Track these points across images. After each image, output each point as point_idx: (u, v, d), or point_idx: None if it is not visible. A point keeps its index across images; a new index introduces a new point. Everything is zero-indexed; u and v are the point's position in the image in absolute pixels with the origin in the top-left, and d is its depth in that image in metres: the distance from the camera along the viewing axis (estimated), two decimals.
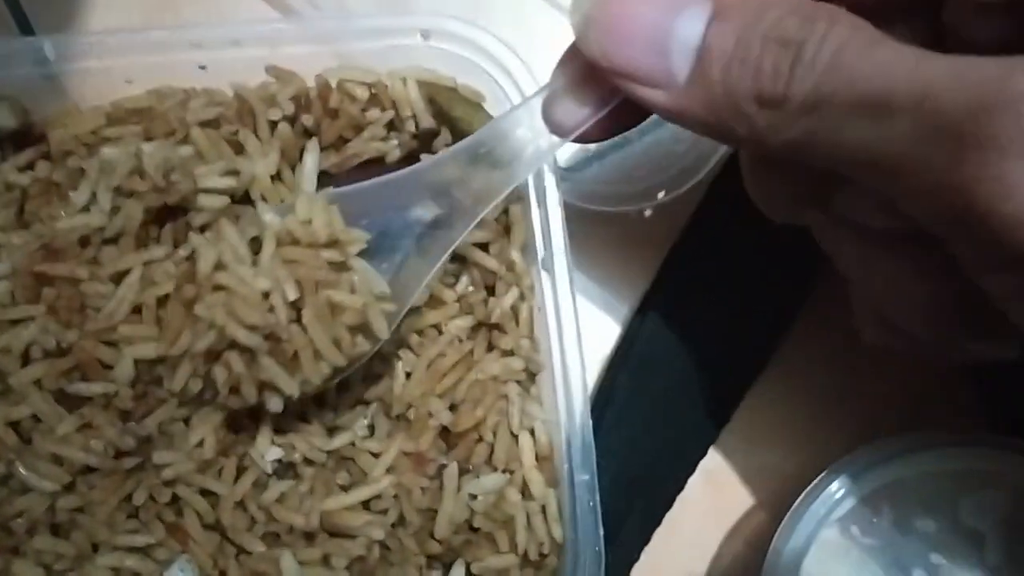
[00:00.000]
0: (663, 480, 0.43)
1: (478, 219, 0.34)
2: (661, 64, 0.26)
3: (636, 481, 0.42)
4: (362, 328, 0.34)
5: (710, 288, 0.42)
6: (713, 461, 0.44)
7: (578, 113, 0.30)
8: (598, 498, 0.35)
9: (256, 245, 0.34)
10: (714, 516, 0.44)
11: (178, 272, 0.35)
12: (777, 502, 0.43)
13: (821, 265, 0.42)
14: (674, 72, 0.26)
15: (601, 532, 0.35)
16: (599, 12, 0.27)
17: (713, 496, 0.44)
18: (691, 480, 0.43)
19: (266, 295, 0.32)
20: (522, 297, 0.38)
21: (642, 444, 0.42)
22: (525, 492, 0.37)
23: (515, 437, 0.37)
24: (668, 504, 0.43)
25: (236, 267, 0.33)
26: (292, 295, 0.32)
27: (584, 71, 0.29)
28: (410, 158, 0.39)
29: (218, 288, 0.33)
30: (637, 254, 0.44)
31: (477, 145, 0.33)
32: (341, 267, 0.34)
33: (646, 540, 0.43)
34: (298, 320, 0.33)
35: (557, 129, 0.30)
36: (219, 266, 0.33)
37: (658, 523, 0.43)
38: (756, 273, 0.42)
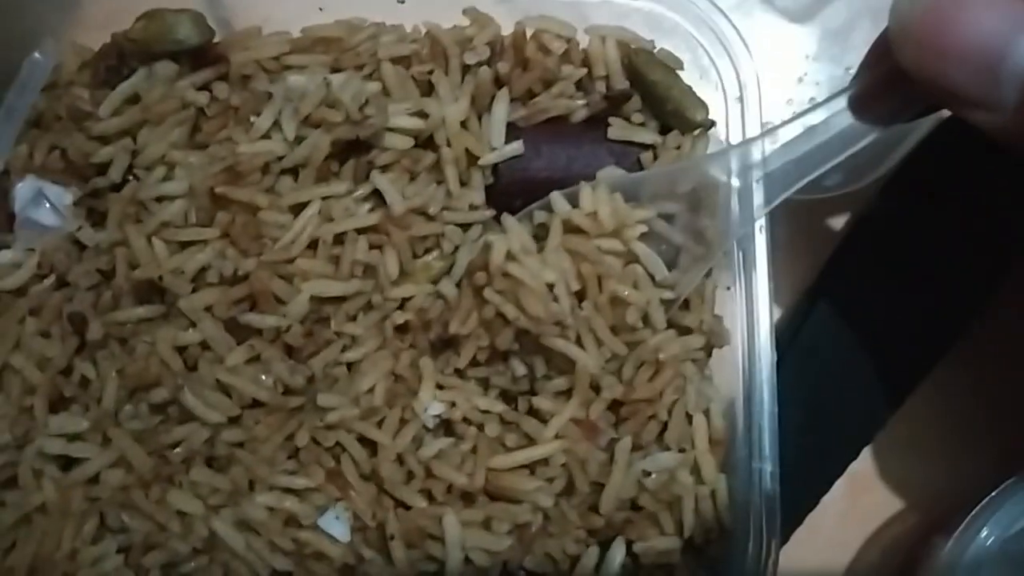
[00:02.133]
0: (811, 479, 0.41)
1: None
2: (988, 89, 0.24)
3: (783, 477, 0.41)
4: (643, 318, 0.34)
5: (881, 284, 0.41)
6: (861, 464, 0.42)
7: (882, 115, 0.28)
8: (778, 489, 0.34)
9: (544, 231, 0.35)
10: (854, 521, 0.43)
11: (472, 261, 0.35)
12: (921, 514, 0.42)
13: (1003, 271, 0.40)
14: (1002, 97, 0.24)
15: (778, 526, 0.34)
16: (920, 18, 0.24)
17: (855, 500, 0.42)
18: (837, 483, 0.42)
19: (551, 286, 0.33)
20: (709, 273, 0.36)
21: (794, 440, 0.40)
22: (696, 475, 0.35)
23: (689, 418, 0.36)
24: (813, 504, 0.41)
25: (525, 259, 0.33)
26: (575, 287, 0.34)
27: (894, 74, 0.27)
28: (596, 120, 0.38)
29: (506, 276, 0.33)
30: (808, 242, 0.43)
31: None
32: (626, 256, 0.35)
33: (786, 538, 0.41)
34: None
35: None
36: (509, 256, 0.34)
37: (800, 522, 0.41)
38: (932, 273, 0.40)
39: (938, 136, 0.40)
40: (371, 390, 0.34)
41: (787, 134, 0.33)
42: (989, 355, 0.42)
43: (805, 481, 0.41)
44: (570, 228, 0.34)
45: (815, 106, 0.32)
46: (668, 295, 0.35)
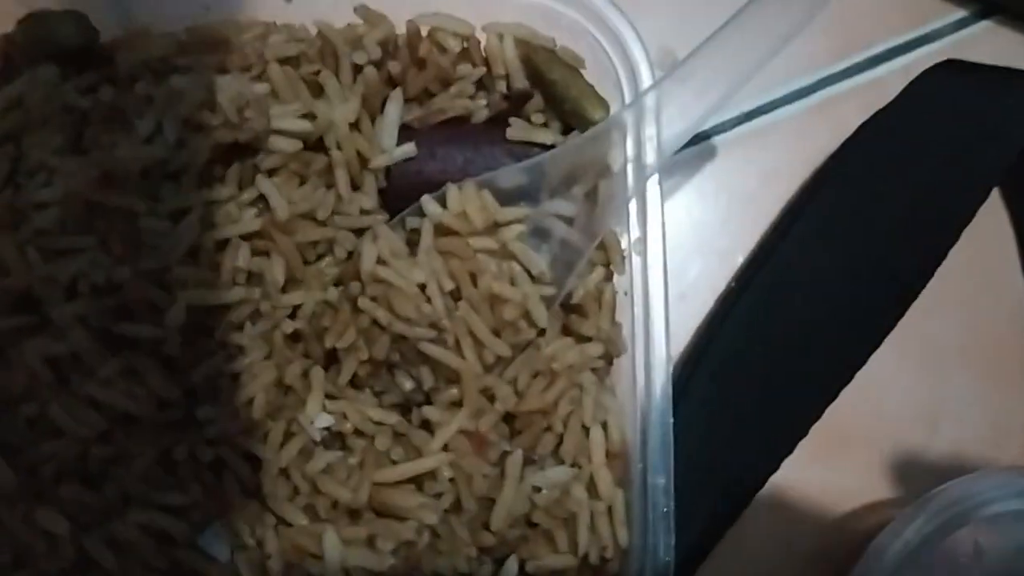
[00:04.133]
0: (731, 490, 0.40)
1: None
2: None
3: (702, 490, 0.39)
4: (524, 317, 0.33)
5: (809, 275, 0.39)
6: (783, 476, 0.41)
7: None
8: (672, 505, 0.32)
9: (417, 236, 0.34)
10: (781, 535, 0.41)
11: (341, 270, 0.35)
12: (849, 528, 0.41)
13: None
14: None
15: (672, 542, 0.32)
16: None
17: (780, 514, 0.41)
18: (758, 495, 0.40)
19: (423, 287, 0.32)
20: (607, 278, 0.35)
21: (714, 447, 0.39)
22: (591, 490, 0.34)
23: (586, 430, 0.34)
24: (733, 517, 0.40)
25: (395, 261, 0.33)
26: (448, 286, 0.33)
27: None
28: (497, 120, 0.37)
29: (378, 282, 0.33)
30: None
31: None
32: (501, 254, 0.33)
33: (706, 552, 0.40)
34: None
35: None
36: (380, 261, 0.33)
37: (720, 537, 0.40)
38: (870, 256, 0.39)
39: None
40: (251, 402, 0.33)
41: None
42: (913, 356, 0.40)
43: (723, 495, 0.40)
44: (442, 230, 0.33)
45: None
46: (548, 291, 0.34)
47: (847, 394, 0.41)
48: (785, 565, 0.41)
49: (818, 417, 0.40)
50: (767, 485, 0.40)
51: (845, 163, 0.40)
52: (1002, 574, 0.34)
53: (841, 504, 0.42)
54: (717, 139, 0.44)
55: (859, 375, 0.41)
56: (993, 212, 0.44)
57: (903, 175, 0.39)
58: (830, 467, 0.42)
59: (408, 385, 0.34)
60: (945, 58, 0.42)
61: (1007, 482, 0.34)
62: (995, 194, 0.44)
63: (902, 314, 0.40)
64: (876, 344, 0.40)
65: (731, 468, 0.39)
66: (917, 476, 0.42)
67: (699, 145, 0.43)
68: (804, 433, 0.40)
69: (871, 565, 0.34)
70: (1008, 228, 0.44)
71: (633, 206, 0.34)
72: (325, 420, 0.34)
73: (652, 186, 0.34)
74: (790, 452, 0.40)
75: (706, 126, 0.43)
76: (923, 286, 0.39)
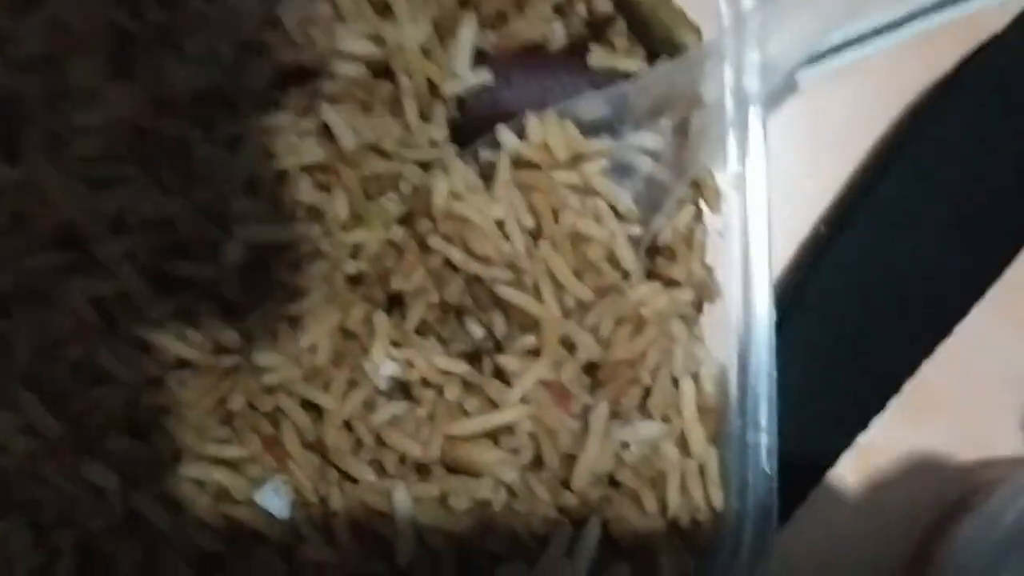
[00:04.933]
0: (814, 452, 0.37)
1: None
2: None
3: (783, 451, 0.37)
4: (609, 257, 0.31)
5: (909, 223, 0.36)
6: (871, 435, 0.38)
7: None
8: (776, 466, 0.30)
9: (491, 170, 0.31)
10: (864, 498, 0.39)
11: (409, 206, 0.32)
12: (939, 490, 0.38)
13: None
14: None
15: (775, 506, 0.30)
16: None
17: (865, 475, 0.38)
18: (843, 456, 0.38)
19: (500, 224, 0.30)
20: (698, 218, 0.32)
21: (795, 409, 0.36)
22: (682, 448, 0.31)
23: (676, 382, 0.31)
24: (816, 479, 0.37)
25: (470, 196, 0.30)
26: (528, 223, 0.30)
27: None
28: (578, 47, 0.34)
29: (451, 218, 0.30)
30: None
31: None
32: (583, 190, 0.31)
33: (786, 516, 0.37)
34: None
35: None
36: (453, 196, 0.30)
37: (803, 498, 0.37)
38: (978, 207, 0.36)
39: None
40: (314, 348, 0.30)
41: None
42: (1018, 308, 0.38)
43: (807, 454, 0.37)
44: (520, 163, 0.31)
45: None
46: (636, 231, 0.31)
47: (941, 355, 0.39)
48: (871, 528, 0.38)
49: (913, 372, 0.37)
50: (854, 445, 0.38)
51: (948, 104, 0.37)
52: None
53: (929, 467, 0.39)
54: (800, 75, 0.41)
55: (954, 335, 0.39)
56: None
57: (1012, 119, 0.36)
58: (918, 430, 0.39)
59: (479, 333, 0.32)
60: None
61: None
62: None
63: (1005, 267, 0.37)
64: (977, 297, 0.37)
65: (820, 423, 0.36)
66: (1010, 442, 0.39)
67: (784, 81, 0.40)
68: (897, 389, 0.37)
69: (981, 528, 0.32)
70: None
71: (732, 140, 0.31)
72: (390, 368, 0.31)
73: (754, 118, 0.31)
74: (881, 409, 0.38)
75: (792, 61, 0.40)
76: None
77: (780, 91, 0.40)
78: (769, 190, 0.31)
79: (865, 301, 0.37)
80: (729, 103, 0.31)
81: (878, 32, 0.41)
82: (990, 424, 0.39)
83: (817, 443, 0.37)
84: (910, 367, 0.37)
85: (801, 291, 0.37)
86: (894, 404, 0.38)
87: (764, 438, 0.30)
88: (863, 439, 0.38)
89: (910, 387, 0.38)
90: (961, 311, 0.37)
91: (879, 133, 0.40)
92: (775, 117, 0.40)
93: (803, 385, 0.37)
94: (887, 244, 0.36)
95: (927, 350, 0.37)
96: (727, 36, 0.31)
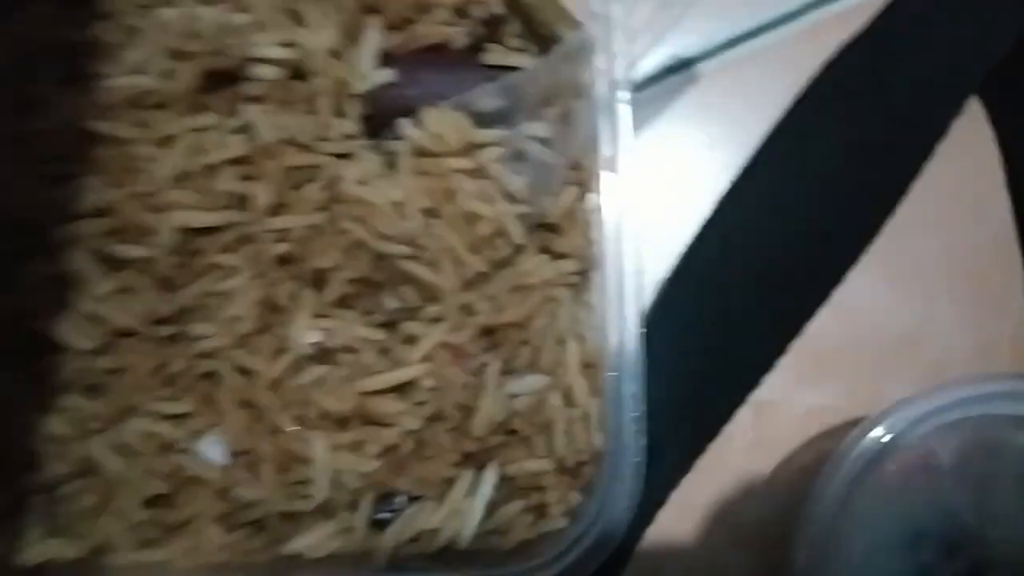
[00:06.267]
0: (711, 406, 0.41)
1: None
2: None
3: (682, 405, 0.40)
4: (500, 233, 0.34)
5: (787, 194, 0.40)
6: (764, 394, 0.42)
7: None
8: (643, 410, 0.34)
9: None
10: (760, 452, 0.42)
11: (326, 194, 0.36)
12: (830, 444, 0.42)
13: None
14: None
15: (643, 444, 0.34)
16: None
17: (760, 432, 0.42)
18: (740, 412, 0.42)
19: (400, 206, 0.34)
20: (580, 197, 0.36)
21: (693, 366, 0.40)
22: (568, 399, 0.35)
23: (562, 342, 0.36)
24: (712, 434, 0.41)
25: (376, 182, 0.34)
26: (424, 204, 0.34)
27: None
28: (476, 47, 0.38)
29: (358, 202, 0.34)
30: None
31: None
32: (478, 175, 0.35)
33: (687, 468, 0.41)
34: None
35: None
36: (360, 182, 0.34)
37: (701, 451, 0.41)
38: (832, 189, 0.39)
39: None
40: (238, 318, 0.35)
41: None
42: (889, 277, 0.41)
43: (707, 409, 0.41)
44: (419, 151, 0.34)
45: None
46: (524, 209, 0.35)
47: (831, 316, 0.42)
48: (769, 480, 0.42)
49: (795, 334, 0.41)
50: (750, 405, 0.42)
51: (820, 83, 0.40)
52: (953, 478, 0.35)
53: (819, 423, 0.43)
54: (701, 66, 0.44)
55: (843, 297, 0.42)
56: (977, 129, 0.44)
57: (877, 91, 0.40)
58: (815, 388, 0.43)
59: (393, 304, 0.36)
60: None
61: (968, 391, 0.35)
62: (981, 110, 0.44)
63: (878, 229, 0.41)
64: (853, 258, 0.41)
65: (711, 379, 0.40)
66: (900, 395, 0.43)
67: (683, 73, 0.44)
68: (782, 350, 0.41)
69: (830, 473, 0.35)
70: (992, 145, 0.44)
71: (604, 125, 0.35)
72: (313, 336, 0.36)
73: (621, 103, 0.35)
74: (768, 369, 0.41)
75: (691, 52, 0.44)
76: (898, 199, 0.40)
77: (681, 82, 0.44)
78: (637, 172, 0.34)
79: (750, 264, 0.40)
80: (599, 90, 0.35)
81: (773, 24, 0.44)
82: (877, 380, 0.43)
83: (713, 399, 0.41)
84: (794, 326, 0.41)
85: (690, 259, 0.40)
86: (785, 364, 0.42)
87: (633, 387, 0.34)
88: (757, 396, 0.42)
89: (800, 347, 0.42)
90: (840, 272, 0.41)
91: (772, 119, 0.43)
92: (675, 106, 0.44)
93: (693, 347, 0.40)
94: (766, 216, 0.40)
95: (810, 310, 0.41)
96: (591, 27, 0.35)
